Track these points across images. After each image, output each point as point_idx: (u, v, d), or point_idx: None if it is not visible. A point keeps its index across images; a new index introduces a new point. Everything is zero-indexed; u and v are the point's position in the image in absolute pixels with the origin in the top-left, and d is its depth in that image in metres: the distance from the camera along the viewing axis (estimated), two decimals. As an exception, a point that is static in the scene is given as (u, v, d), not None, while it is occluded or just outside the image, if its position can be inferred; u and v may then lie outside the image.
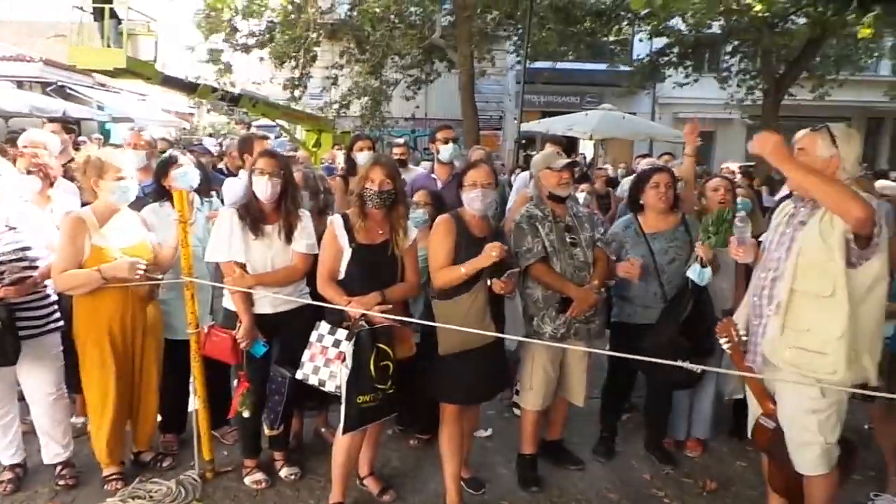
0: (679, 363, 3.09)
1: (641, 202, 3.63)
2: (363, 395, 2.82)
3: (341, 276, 2.96)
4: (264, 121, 15.12)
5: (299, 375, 2.95)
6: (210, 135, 22.93)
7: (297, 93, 14.22)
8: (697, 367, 3.26)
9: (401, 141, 5.80)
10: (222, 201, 3.86)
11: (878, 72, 18.80)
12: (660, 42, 15.06)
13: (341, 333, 2.87)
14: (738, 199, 3.87)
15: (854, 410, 3.28)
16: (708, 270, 3.26)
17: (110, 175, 3.09)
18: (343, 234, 2.93)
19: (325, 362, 2.88)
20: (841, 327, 2.41)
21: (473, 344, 2.93)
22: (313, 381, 2.90)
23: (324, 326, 2.92)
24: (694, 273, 3.27)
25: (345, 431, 2.88)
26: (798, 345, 2.50)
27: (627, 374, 3.78)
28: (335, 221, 2.98)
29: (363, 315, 2.84)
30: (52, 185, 3.55)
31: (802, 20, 12.64)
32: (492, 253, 2.86)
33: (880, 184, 6.47)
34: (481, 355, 2.97)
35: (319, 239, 3.11)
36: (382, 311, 2.85)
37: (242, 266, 3.09)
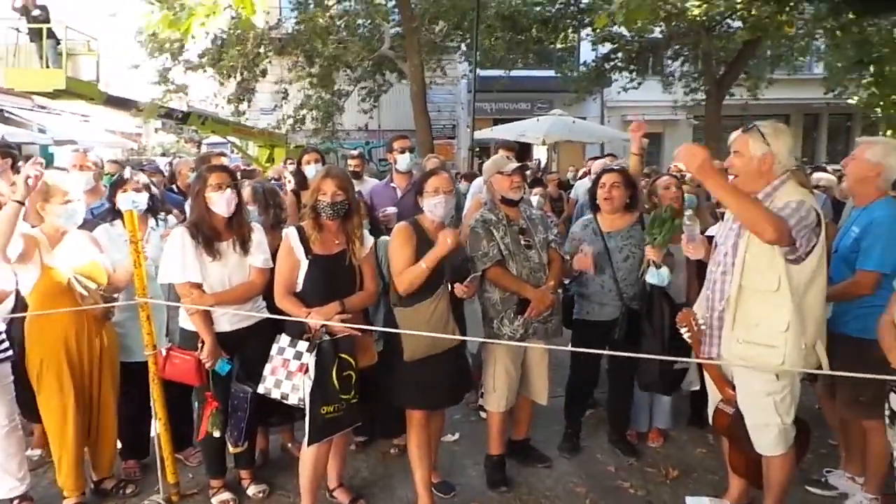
0: (674, 361, 3.22)
1: (598, 202, 3.72)
2: (327, 406, 2.82)
3: (299, 288, 2.96)
4: (215, 138, 14.92)
5: (261, 390, 2.93)
6: (162, 154, 22.44)
7: (242, 107, 14.05)
8: (658, 357, 3.39)
9: (355, 153, 5.81)
10: (182, 221, 3.80)
11: (812, 70, 19.67)
12: (605, 48, 15.43)
13: (302, 345, 2.86)
14: (685, 196, 4.02)
15: (806, 392, 3.44)
16: (665, 270, 3.35)
17: (57, 199, 3.04)
18: (298, 246, 2.93)
19: (287, 375, 2.87)
20: (787, 320, 2.55)
21: (438, 349, 2.96)
22: (275, 394, 2.89)
23: (284, 339, 2.91)
24: (653, 277, 3.36)
25: (310, 443, 2.87)
26: (748, 339, 2.63)
27: (589, 370, 3.86)
28: (290, 234, 2.98)
29: (323, 326, 2.85)
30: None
31: (738, 23, 13.16)
32: (447, 240, 2.90)
33: (816, 176, 6.83)
34: (444, 360, 3.01)
35: (273, 253, 3.11)
36: (343, 321, 2.86)
37: (199, 286, 3.05)
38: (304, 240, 2.94)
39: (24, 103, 15.17)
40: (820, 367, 2.65)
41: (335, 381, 2.82)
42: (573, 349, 3.47)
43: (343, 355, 2.86)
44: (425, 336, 2.86)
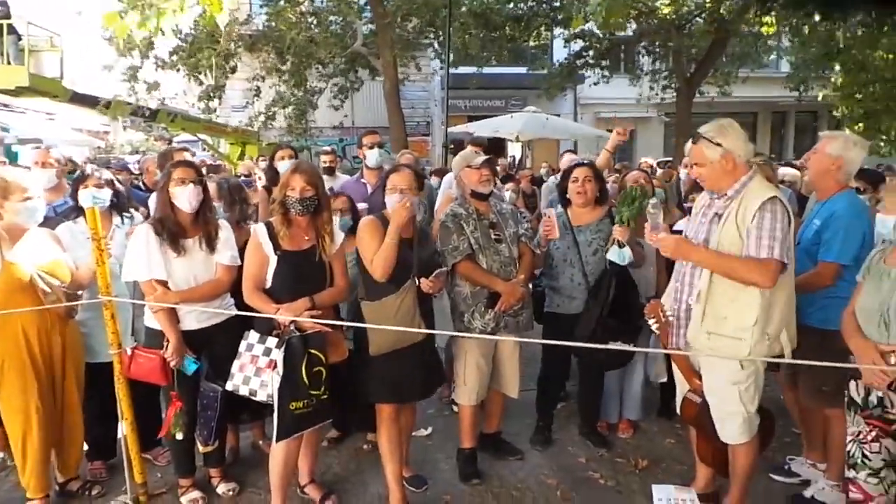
0: (610, 346, 3.30)
1: (568, 196, 3.75)
2: (296, 402, 2.80)
3: (268, 284, 2.94)
4: (186, 136, 14.68)
5: (229, 387, 2.90)
6: (132, 152, 22.02)
7: (212, 104, 13.86)
8: (630, 348, 3.49)
9: (328, 149, 5.79)
10: (146, 217, 3.74)
11: (779, 68, 20.09)
12: (577, 45, 15.55)
13: (271, 342, 2.84)
14: (655, 191, 4.07)
15: (769, 383, 3.51)
16: (627, 250, 3.39)
17: (16, 196, 2.97)
18: (267, 241, 2.91)
19: (256, 371, 2.85)
20: (755, 314, 2.61)
21: (403, 343, 2.96)
22: (244, 391, 2.87)
23: (253, 336, 2.89)
24: (614, 254, 3.40)
25: (278, 439, 2.85)
26: (716, 331, 2.68)
27: (560, 363, 3.89)
28: (258, 230, 2.95)
29: (293, 322, 2.83)
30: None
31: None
32: (399, 206, 2.92)
33: (782, 171, 6.96)
34: (411, 354, 3.01)
35: (241, 250, 3.07)
36: (312, 317, 2.85)
37: (164, 283, 3.01)
38: (273, 236, 2.91)
39: (-14, 101, 14.76)
40: (783, 356, 2.71)
41: (304, 377, 2.80)
42: (541, 342, 3.49)
43: (313, 351, 2.84)
44: (391, 330, 2.85)
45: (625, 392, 4.03)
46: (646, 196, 3.45)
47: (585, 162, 3.87)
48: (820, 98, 15.56)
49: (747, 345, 2.63)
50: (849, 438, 2.65)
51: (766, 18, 11.35)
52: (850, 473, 2.61)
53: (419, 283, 2.99)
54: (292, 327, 2.84)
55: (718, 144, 2.64)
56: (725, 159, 2.65)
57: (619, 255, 3.39)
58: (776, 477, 3.42)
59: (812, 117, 22.73)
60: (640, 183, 3.78)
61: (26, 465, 3.05)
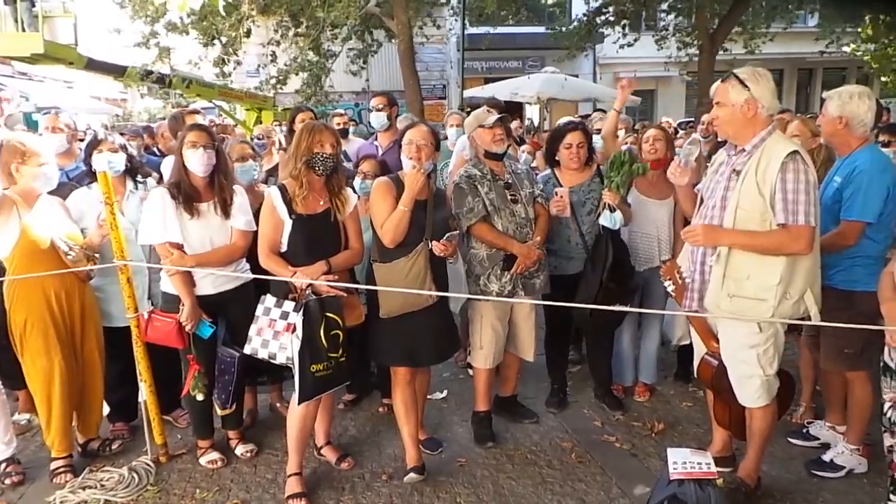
0: (616, 307, 3.32)
1: (557, 158, 3.69)
2: (316, 365, 2.81)
3: (283, 248, 2.92)
4: (202, 102, 14.63)
5: (247, 350, 2.92)
6: (150, 119, 22.07)
7: (227, 69, 13.74)
8: (634, 310, 3.53)
9: (341, 111, 5.72)
10: (159, 182, 3.74)
11: (807, 23, 19.36)
12: (597, 2, 15.09)
13: (288, 305, 2.84)
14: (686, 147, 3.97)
15: (791, 345, 3.46)
16: (618, 214, 3.39)
17: (33, 161, 3.00)
18: (282, 205, 2.88)
19: (274, 335, 2.85)
20: (779, 274, 2.53)
21: (414, 307, 2.95)
22: (263, 354, 2.88)
23: (269, 300, 2.89)
24: (605, 219, 3.41)
25: (300, 401, 2.87)
26: (738, 293, 2.60)
27: (562, 324, 3.86)
28: (272, 193, 2.93)
29: (310, 285, 2.82)
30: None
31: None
32: (413, 171, 2.91)
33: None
34: (423, 318, 3.00)
35: (254, 214, 3.06)
36: (328, 280, 2.84)
37: (179, 247, 3.01)
38: (287, 199, 2.89)
39: (4, 70, 14.83)
40: (807, 318, 2.64)
41: (323, 340, 2.81)
42: (549, 303, 3.45)
43: (330, 314, 2.84)
44: (401, 293, 2.84)
45: (640, 355, 4.01)
46: (634, 160, 3.44)
47: (578, 125, 3.78)
48: (849, 51, 14.97)
49: (770, 306, 2.56)
50: (887, 405, 2.61)
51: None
52: (890, 441, 2.59)
53: (432, 246, 2.95)
54: (309, 291, 2.84)
55: (746, 88, 2.54)
56: (748, 105, 2.55)
57: (611, 220, 3.40)
58: (794, 440, 3.39)
59: (840, 73, 21.96)
60: (655, 149, 3.69)
61: (51, 424, 3.12)
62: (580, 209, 3.58)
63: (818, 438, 3.36)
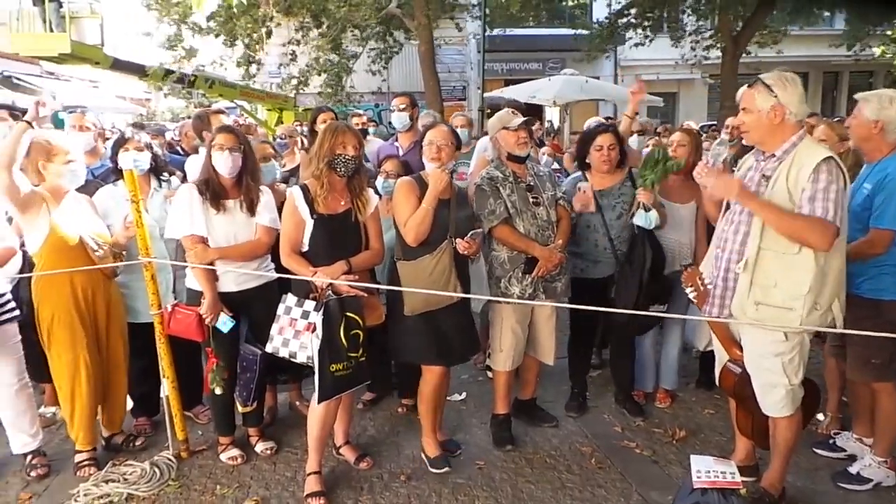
0: (651, 312, 3.32)
1: (588, 161, 3.64)
2: (336, 364, 2.82)
3: (305, 248, 2.94)
4: (224, 102, 14.78)
5: (269, 349, 2.94)
6: (173, 119, 22.36)
7: (252, 69, 13.85)
8: (670, 316, 3.51)
9: (360, 111, 5.75)
10: (182, 181, 3.78)
11: (833, 25, 19.06)
12: (618, 4, 15.01)
13: (309, 305, 2.86)
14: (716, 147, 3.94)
15: (816, 353, 3.40)
16: (653, 213, 3.34)
17: (59, 158, 3.05)
18: (304, 205, 2.90)
19: (295, 334, 2.87)
20: (808, 283, 2.48)
21: (438, 304, 2.95)
22: (284, 353, 2.90)
23: (290, 299, 2.91)
24: (640, 219, 3.37)
25: (320, 400, 2.88)
26: (765, 301, 2.55)
27: (587, 328, 3.83)
28: (294, 193, 2.94)
29: (330, 285, 2.83)
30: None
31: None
32: (439, 173, 2.92)
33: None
34: (446, 316, 3.00)
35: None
36: (348, 280, 2.85)
37: (204, 240, 3.05)
38: (309, 199, 2.90)
39: (32, 69, 15.09)
40: (834, 326, 2.60)
41: (343, 340, 2.82)
42: (574, 307, 3.43)
43: (350, 314, 2.85)
44: (425, 291, 2.84)
45: (661, 361, 3.96)
46: (668, 158, 3.39)
47: (609, 127, 3.74)
48: (878, 54, 14.70)
49: (798, 315, 2.51)
50: None
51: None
52: None
53: (455, 243, 2.95)
54: (329, 291, 2.85)
55: (773, 94, 2.50)
56: (775, 112, 2.50)
57: (646, 219, 3.36)
58: (820, 451, 3.32)
59: (867, 77, 21.57)
60: (683, 154, 3.64)
61: (74, 418, 3.17)
62: (610, 213, 3.54)
63: (845, 450, 3.30)
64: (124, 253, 3.22)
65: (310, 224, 2.90)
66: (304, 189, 2.93)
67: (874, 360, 2.93)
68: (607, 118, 9.12)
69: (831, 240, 2.42)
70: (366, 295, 2.92)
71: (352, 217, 2.95)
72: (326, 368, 2.81)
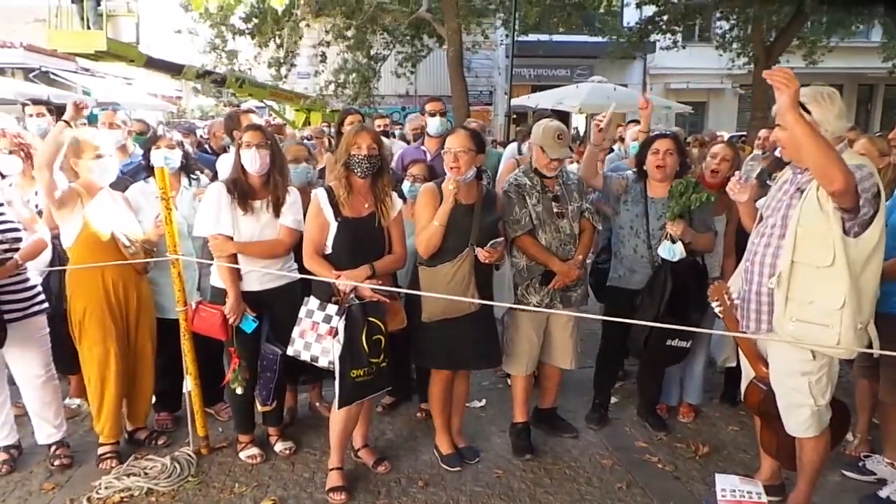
0: (668, 343, 3.26)
1: (645, 167, 3.52)
2: (357, 370, 2.81)
3: (328, 250, 2.94)
4: (253, 102, 14.98)
5: (290, 352, 2.94)
6: (202, 117, 22.71)
7: (282, 70, 14.00)
8: (686, 342, 3.39)
9: (384, 114, 5.77)
10: (212, 180, 3.82)
11: (869, 38, 18.69)
12: (649, 10, 14.85)
13: (331, 309, 2.84)
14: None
15: (846, 372, 3.31)
16: (678, 246, 3.25)
17: (87, 154, 3.08)
18: (328, 207, 2.90)
19: (317, 338, 2.86)
20: (842, 297, 2.40)
21: (455, 312, 2.94)
22: (305, 357, 2.90)
23: (313, 302, 2.90)
24: (664, 250, 3.29)
25: (340, 406, 2.88)
26: (801, 318, 2.48)
27: (619, 340, 3.77)
28: (319, 195, 2.95)
29: (354, 289, 2.83)
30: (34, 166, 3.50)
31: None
32: (448, 187, 2.88)
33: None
34: (465, 324, 2.99)
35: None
36: (372, 284, 2.84)
37: (229, 239, 3.07)
38: (334, 201, 2.91)
39: (68, 66, 15.44)
40: (870, 346, 2.52)
41: (364, 345, 2.81)
42: (596, 317, 3.39)
43: (372, 319, 2.84)
44: (442, 299, 2.83)
45: (686, 375, 3.88)
46: (696, 189, 3.24)
47: (668, 133, 3.63)
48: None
49: (835, 332, 2.43)
50: None
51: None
52: None
53: (477, 252, 2.93)
54: (352, 295, 2.84)
55: (807, 111, 2.44)
56: None
57: (669, 251, 3.27)
58: (849, 474, 3.23)
59: (904, 91, 21.12)
60: (724, 167, 3.57)
61: (102, 411, 3.21)
62: (654, 222, 3.42)
63: (874, 473, 3.20)
64: (155, 249, 3.25)
65: (334, 226, 2.90)
66: (329, 191, 2.93)
67: (909, 382, 2.84)
68: (631, 122, 9.03)
69: (851, 190, 2.26)
70: (388, 301, 2.91)
71: (375, 221, 2.95)
72: (348, 374, 2.80)
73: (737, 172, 2.85)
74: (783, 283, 2.50)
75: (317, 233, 2.93)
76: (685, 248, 3.30)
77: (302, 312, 2.91)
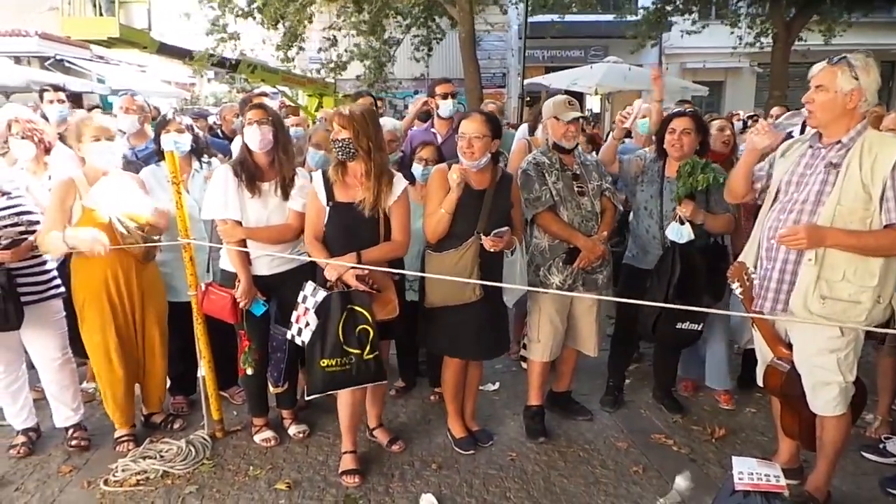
0: (678, 326, 3.26)
1: (665, 147, 3.43)
2: (328, 360, 2.73)
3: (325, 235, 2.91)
4: (265, 87, 14.93)
5: (288, 335, 2.93)
6: (216, 103, 22.72)
7: (291, 53, 13.90)
8: (697, 325, 3.34)
9: (371, 93, 5.76)
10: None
11: (892, 13, 18.17)
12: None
13: (320, 295, 2.78)
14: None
15: (866, 350, 3.23)
16: (686, 227, 3.19)
17: (86, 137, 3.04)
18: (322, 191, 2.85)
19: (306, 324, 2.82)
20: (877, 275, 2.38)
21: (456, 301, 2.91)
22: (298, 341, 2.88)
23: (308, 287, 2.85)
24: (672, 232, 3.23)
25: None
26: (832, 295, 2.44)
27: (632, 320, 3.72)
28: (315, 178, 2.91)
29: (339, 277, 2.77)
30: (47, 151, 3.50)
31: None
32: (452, 175, 2.82)
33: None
34: (468, 313, 2.95)
35: None
36: (360, 274, 2.75)
37: (238, 223, 3.05)
38: (329, 185, 2.86)
39: (83, 53, 15.50)
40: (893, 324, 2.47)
41: (340, 335, 2.72)
42: (611, 299, 3.33)
43: (356, 308, 2.75)
44: (444, 286, 2.78)
45: (707, 359, 3.79)
46: (703, 170, 3.17)
47: (687, 112, 3.55)
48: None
49: (865, 308, 2.40)
50: None
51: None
52: None
53: (483, 240, 2.87)
54: (339, 283, 2.79)
55: (856, 77, 2.36)
56: (853, 96, 2.38)
57: (678, 233, 3.21)
58: (869, 455, 3.18)
59: (926, 67, 20.55)
60: (724, 138, 3.51)
61: (108, 398, 3.25)
62: (668, 204, 3.36)
63: (895, 455, 3.15)
64: (156, 237, 3.21)
65: (327, 211, 2.86)
66: (324, 174, 2.89)
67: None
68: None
69: None
70: (373, 291, 2.82)
71: (369, 207, 2.82)
72: (316, 362, 2.74)
73: (769, 119, 2.74)
74: (818, 261, 2.44)
75: (315, 217, 2.90)
76: (700, 229, 3.24)
77: (299, 297, 2.87)
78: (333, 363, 2.74)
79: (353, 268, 2.75)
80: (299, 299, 2.87)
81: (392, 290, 2.93)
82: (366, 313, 2.76)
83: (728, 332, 3.76)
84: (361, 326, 2.76)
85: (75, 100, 5.14)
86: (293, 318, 2.89)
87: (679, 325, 3.32)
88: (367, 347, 2.77)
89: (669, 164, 3.44)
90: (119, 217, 3.03)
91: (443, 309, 2.94)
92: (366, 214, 2.81)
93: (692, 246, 3.25)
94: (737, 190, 2.86)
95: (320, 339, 2.74)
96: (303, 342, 2.85)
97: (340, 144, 2.78)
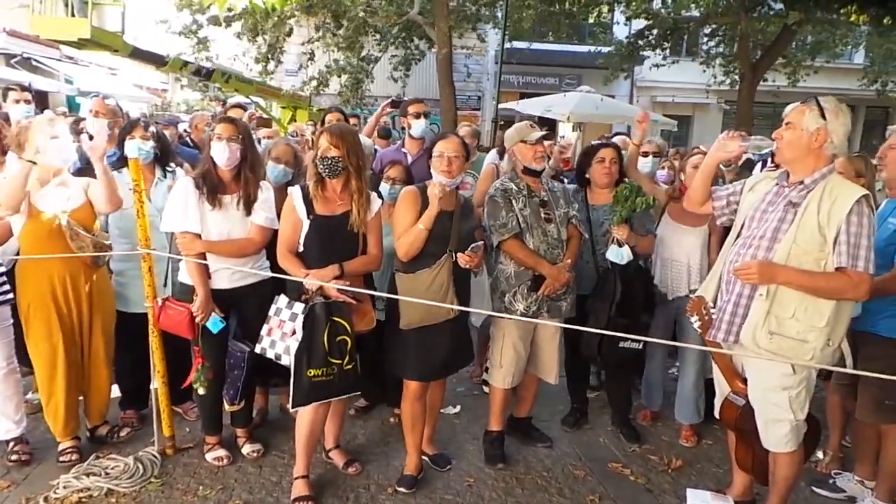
0: (622, 345, 3.32)
1: (587, 175, 3.64)
2: (315, 370, 2.74)
3: (301, 248, 2.88)
4: (240, 98, 14.82)
5: (258, 349, 2.89)
6: (188, 111, 22.42)
7: (269, 66, 13.85)
8: (638, 344, 3.40)
9: (357, 113, 5.73)
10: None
11: (852, 60, 19.00)
12: (639, 24, 14.99)
13: (298, 307, 2.79)
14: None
15: (819, 388, 3.30)
16: (625, 249, 3.32)
17: (30, 137, 2.96)
18: (301, 205, 2.84)
19: (281, 336, 2.82)
20: (826, 316, 2.42)
21: (434, 319, 2.89)
22: (270, 354, 2.85)
23: (282, 300, 2.85)
24: (612, 254, 3.35)
25: (293, 406, 2.82)
26: (780, 331, 2.48)
27: (576, 342, 3.72)
28: (293, 192, 2.90)
29: (320, 288, 2.77)
30: (4, 152, 3.39)
31: (780, 5, 12.65)
32: (434, 191, 2.85)
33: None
34: (441, 332, 2.94)
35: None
36: (339, 285, 2.77)
37: (197, 236, 2.99)
38: (308, 199, 2.85)
39: (52, 53, 15.16)
40: (842, 364, 2.52)
41: (325, 345, 2.74)
42: (564, 325, 3.34)
43: (337, 319, 2.77)
44: (422, 306, 2.77)
45: (677, 391, 3.80)
46: (640, 194, 3.31)
47: (611, 143, 3.73)
48: (896, 95, 14.64)
49: (812, 348, 2.44)
50: None
51: (853, 7, 10.56)
52: None
53: (456, 257, 2.89)
54: (318, 293, 2.79)
55: (823, 118, 2.43)
56: (818, 135, 2.43)
57: (618, 255, 3.34)
58: (819, 490, 3.23)
59: (884, 112, 21.48)
60: (632, 181, 3.60)
61: (51, 408, 3.13)
62: (597, 229, 3.53)
63: (844, 491, 3.20)
64: (108, 244, 3.13)
65: (306, 224, 2.85)
66: (304, 189, 2.88)
67: (888, 401, 2.85)
68: (616, 134, 9.04)
69: (867, 289, 2.37)
70: (355, 302, 2.84)
71: (349, 221, 2.87)
72: (304, 373, 2.74)
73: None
74: (769, 296, 2.48)
75: (290, 231, 2.87)
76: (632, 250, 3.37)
77: (271, 310, 2.86)
78: (320, 373, 2.75)
79: (336, 279, 2.77)
80: (271, 312, 2.84)
81: (369, 302, 2.96)
82: (345, 324, 2.79)
83: (701, 364, 3.77)
84: (341, 337, 2.78)
85: (41, 99, 5.00)
86: (263, 332, 2.85)
87: (622, 344, 3.37)
88: (346, 357, 2.80)
89: (592, 192, 3.61)
90: (70, 221, 2.94)
91: (417, 330, 2.91)
92: (354, 230, 2.85)
93: (628, 267, 3.37)
94: (695, 197, 2.91)
95: (307, 350, 2.73)
96: (276, 355, 2.82)
97: (330, 162, 2.80)
